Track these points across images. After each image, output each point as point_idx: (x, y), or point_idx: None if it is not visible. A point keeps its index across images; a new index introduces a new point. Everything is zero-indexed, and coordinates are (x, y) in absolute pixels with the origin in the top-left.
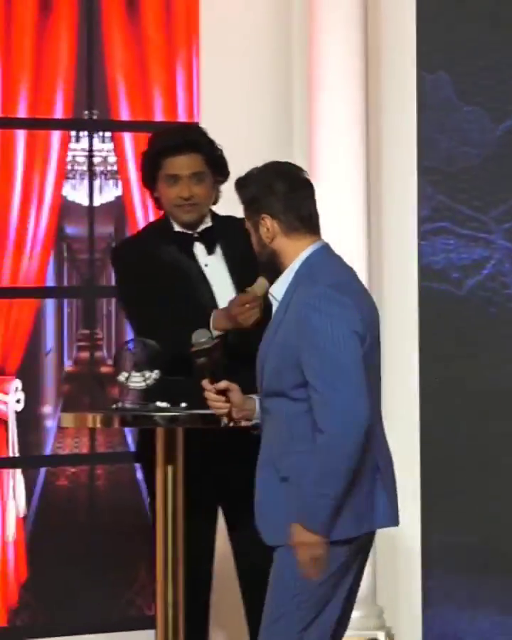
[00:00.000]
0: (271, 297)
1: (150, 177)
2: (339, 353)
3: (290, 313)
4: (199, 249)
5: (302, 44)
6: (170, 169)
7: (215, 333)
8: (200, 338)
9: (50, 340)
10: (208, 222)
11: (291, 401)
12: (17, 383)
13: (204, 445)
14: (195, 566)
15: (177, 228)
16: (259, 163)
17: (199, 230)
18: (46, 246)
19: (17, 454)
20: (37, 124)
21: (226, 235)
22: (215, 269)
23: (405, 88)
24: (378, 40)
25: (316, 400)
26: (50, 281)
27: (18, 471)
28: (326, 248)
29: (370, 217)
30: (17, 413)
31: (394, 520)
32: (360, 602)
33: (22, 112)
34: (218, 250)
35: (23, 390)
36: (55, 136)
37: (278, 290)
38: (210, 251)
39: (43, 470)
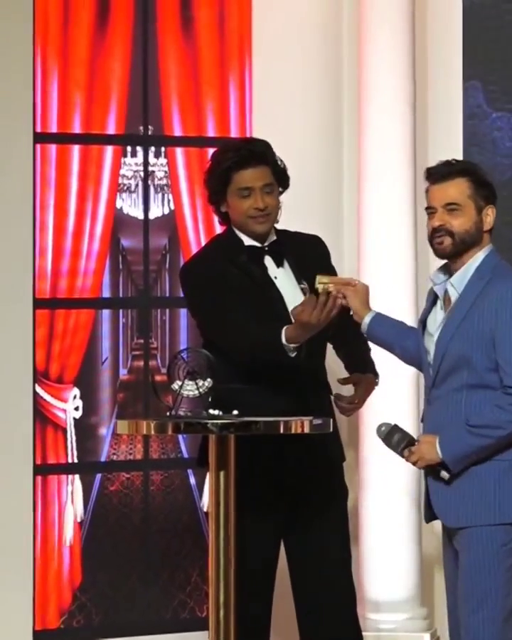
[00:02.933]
0: (450, 287)
1: (218, 193)
2: None
3: (486, 302)
4: (268, 262)
5: (352, 61)
6: (242, 182)
7: (292, 346)
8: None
9: (106, 350)
10: (273, 236)
11: (472, 389)
12: (75, 391)
13: (262, 452)
14: (258, 573)
15: (247, 242)
16: (310, 179)
17: (267, 243)
18: (101, 258)
19: (76, 460)
20: (93, 139)
21: (292, 248)
22: (283, 281)
23: (451, 100)
24: (425, 56)
25: (505, 375)
26: (106, 292)
27: (77, 477)
28: (496, 251)
29: (417, 233)
30: (75, 420)
31: None
32: (406, 604)
33: (77, 128)
34: (286, 263)
35: (81, 398)
36: (109, 150)
37: (459, 282)
38: (279, 264)
39: (98, 475)
